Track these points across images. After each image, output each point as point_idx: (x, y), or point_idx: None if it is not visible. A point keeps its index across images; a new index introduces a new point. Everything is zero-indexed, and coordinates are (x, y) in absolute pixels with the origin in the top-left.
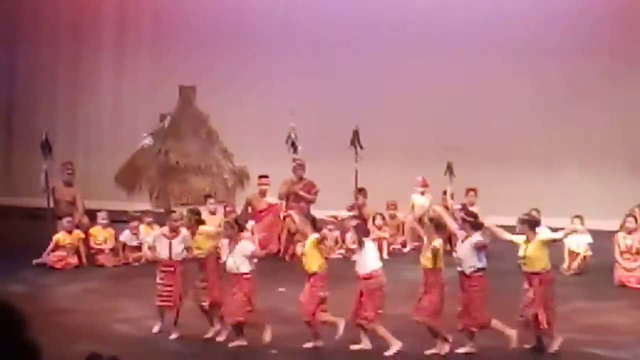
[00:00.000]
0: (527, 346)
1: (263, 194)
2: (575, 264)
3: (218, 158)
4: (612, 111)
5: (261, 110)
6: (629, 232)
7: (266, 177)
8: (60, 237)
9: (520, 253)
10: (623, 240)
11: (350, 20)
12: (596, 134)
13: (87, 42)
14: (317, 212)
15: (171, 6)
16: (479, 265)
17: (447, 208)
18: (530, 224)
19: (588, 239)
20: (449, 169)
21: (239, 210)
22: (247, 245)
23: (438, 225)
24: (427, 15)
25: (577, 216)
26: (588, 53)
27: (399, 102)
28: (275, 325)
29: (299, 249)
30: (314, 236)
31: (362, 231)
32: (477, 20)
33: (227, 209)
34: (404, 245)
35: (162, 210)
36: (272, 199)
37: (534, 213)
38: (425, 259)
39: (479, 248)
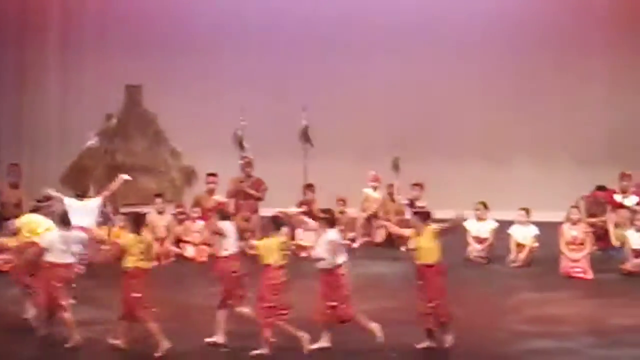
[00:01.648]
0: (419, 346)
1: (211, 192)
2: (521, 256)
3: (166, 157)
4: (560, 105)
5: (209, 108)
6: (574, 223)
7: (214, 175)
8: (5, 239)
9: (412, 245)
10: (568, 232)
11: (299, 18)
12: (544, 127)
13: (32, 42)
14: (266, 210)
15: (117, 5)
16: (338, 261)
17: (393, 202)
18: (421, 216)
19: (534, 230)
20: (395, 164)
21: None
22: None
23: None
24: (376, 13)
25: (522, 208)
26: (537, 47)
27: (348, 99)
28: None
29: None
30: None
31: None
32: (426, 17)
33: (178, 209)
34: (353, 240)
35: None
36: (220, 197)
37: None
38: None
39: (334, 245)
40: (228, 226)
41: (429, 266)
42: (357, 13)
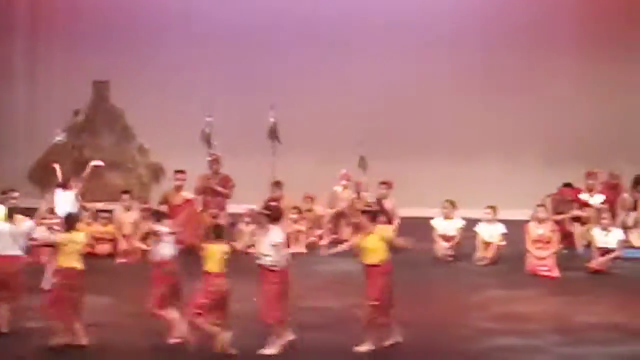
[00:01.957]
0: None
1: (179, 189)
2: (488, 254)
3: (133, 153)
4: (527, 103)
5: (177, 105)
6: (540, 222)
7: (182, 172)
8: None
9: (360, 245)
10: (534, 230)
11: (267, 17)
12: (512, 126)
13: None
14: (233, 207)
15: (84, 1)
16: (276, 259)
17: (360, 199)
18: (370, 215)
19: (501, 228)
20: (362, 161)
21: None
22: None
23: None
24: (343, 12)
25: (489, 206)
26: (505, 46)
27: (316, 96)
28: None
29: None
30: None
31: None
32: (394, 15)
33: (143, 206)
34: (320, 238)
35: None
36: (188, 193)
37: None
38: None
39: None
40: (164, 228)
41: (374, 266)
42: (325, 12)
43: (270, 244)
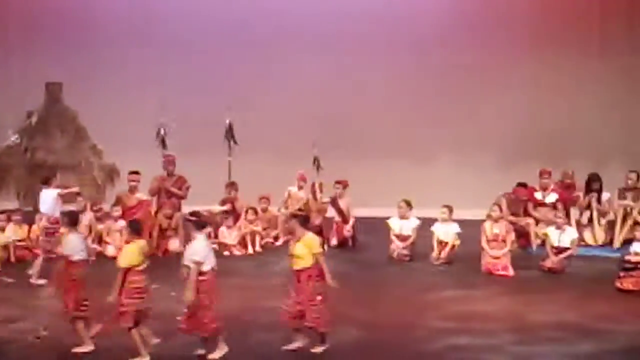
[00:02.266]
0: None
1: (133, 190)
2: (443, 253)
3: (87, 155)
4: (483, 104)
5: (132, 106)
6: (495, 221)
7: (136, 173)
8: None
9: (291, 250)
10: (490, 229)
11: (222, 18)
12: (467, 126)
13: None
14: (189, 207)
15: (37, 3)
16: (205, 267)
17: (315, 200)
18: (300, 220)
19: (456, 228)
20: (316, 162)
21: (108, 208)
22: None
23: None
24: (297, 14)
25: (445, 206)
26: (459, 47)
27: (272, 97)
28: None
29: (174, 244)
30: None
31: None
32: (348, 16)
33: (95, 207)
34: (276, 239)
35: (30, 208)
36: (142, 195)
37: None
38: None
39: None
40: (73, 235)
41: (300, 270)
42: (280, 14)
43: (189, 257)
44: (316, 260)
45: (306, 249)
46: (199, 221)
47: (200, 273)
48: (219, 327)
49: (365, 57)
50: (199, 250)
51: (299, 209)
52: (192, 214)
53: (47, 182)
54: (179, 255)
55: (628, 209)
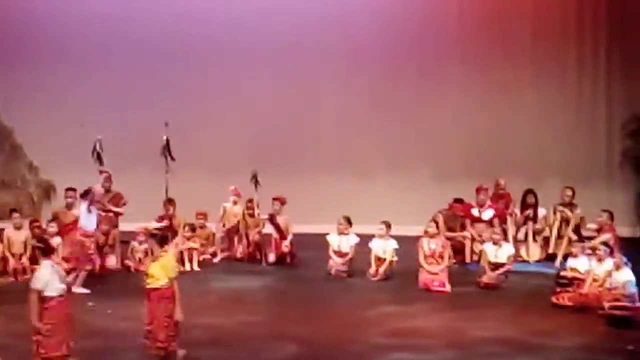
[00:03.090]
0: None
1: (70, 207)
2: (381, 270)
3: (23, 172)
4: (419, 119)
5: (67, 122)
6: (432, 237)
7: (73, 190)
8: None
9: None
10: (427, 245)
11: (160, 33)
12: (404, 143)
13: None
14: (126, 224)
15: None
16: (52, 293)
17: (252, 216)
18: (159, 239)
19: (394, 244)
20: (254, 178)
21: (44, 224)
22: None
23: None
24: (234, 31)
25: (383, 222)
26: (395, 65)
27: (209, 113)
28: (86, 340)
29: (111, 261)
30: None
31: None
32: (284, 34)
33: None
34: (214, 255)
35: None
36: (79, 212)
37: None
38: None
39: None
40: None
41: (154, 290)
42: (217, 30)
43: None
44: (171, 283)
45: (162, 270)
46: (44, 248)
47: (45, 299)
48: None
49: (303, 73)
50: (40, 277)
51: (158, 229)
52: (39, 240)
53: None
54: (116, 272)
55: (563, 226)
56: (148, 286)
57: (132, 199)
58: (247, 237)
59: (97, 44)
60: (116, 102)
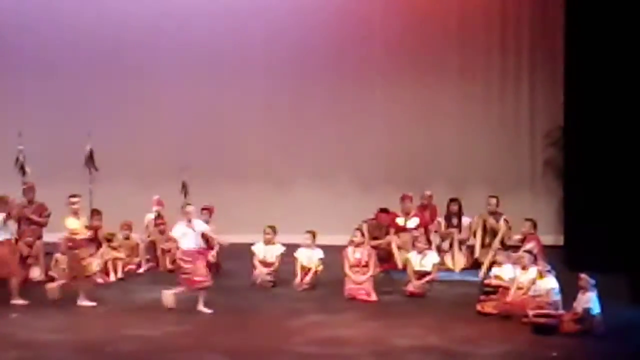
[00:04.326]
0: None
1: None
2: (307, 279)
3: None
4: (341, 130)
5: None
6: (357, 246)
7: None
8: None
9: None
10: (352, 254)
11: (77, 40)
12: (328, 152)
13: None
14: (50, 235)
15: None
16: None
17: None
18: None
19: (320, 254)
20: (184, 188)
21: None
22: None
23: None
24: (161, 36)
25: (309, 231)
26: (318, 74)
27: (134, 122)
28: (11, 351)
29: (35, 272)
30: None
31: None
32: (210, 42)
33: None
34: (139, 266)
35: None
36: None
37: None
38: None
39: None
40: None
41: None
42: (138, 38)
43: None
44: None
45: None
46: None
47: None
48: None
49: (228, 82)
50: None
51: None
52: None
53: None
54: (40, 283)
55: (488, 234)
56: None
57: (56, 210)
58: (162, 250)
59: (21, 55)
60: (38, 112)
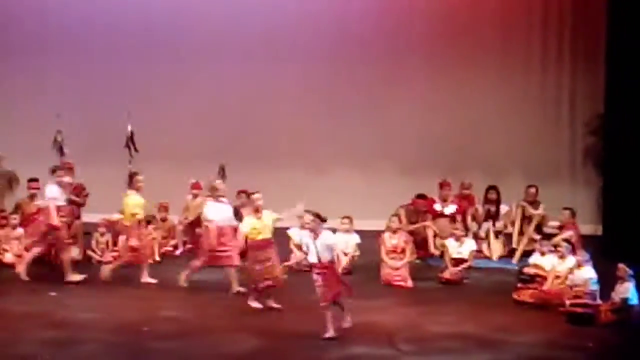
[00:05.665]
0: None
1: (33, 198)
2: (343, 263)
3: None
4: (379, 114)
5: (30, 112)
6: (394, 232)
7: (36, 180)
8: None
9: None
10: (389, 240)
11: (121, 24)
12: (366, 137)
13: None
14: (89, 215)
15: None
16: None
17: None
18: None
19: (356, 239)
20: (222, 170)
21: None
22: None
23: None
24: (199, 20)
25: (345, 217)
26: (354, 57)
27: (173, 105)
28: (48, 331)
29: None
30: None
31: None
32: (248, 27)
33: None
34: (175, 247)
35: None
36: (42, 202)
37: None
38: None
39: None
40: None
41: None
42: (182, 19)
43: None
44: None
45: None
46: None
47: None
48: None
49: (267, 68)
50: None
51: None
52: None
53: None
54: (78, 263)
55: (525, 223)
56: None
57: (95, 191)
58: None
59: (60, 37)
60: (77, 92)
